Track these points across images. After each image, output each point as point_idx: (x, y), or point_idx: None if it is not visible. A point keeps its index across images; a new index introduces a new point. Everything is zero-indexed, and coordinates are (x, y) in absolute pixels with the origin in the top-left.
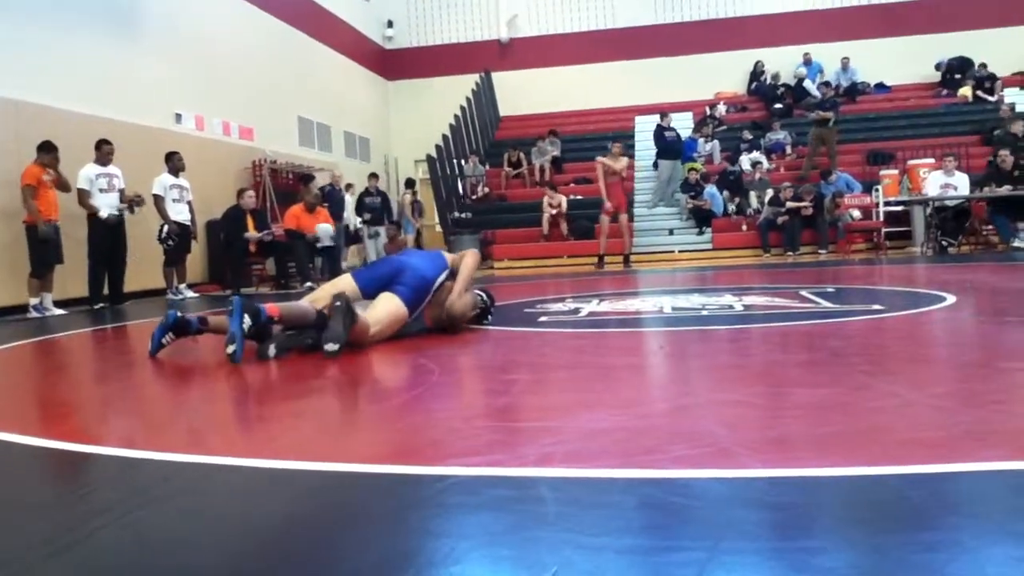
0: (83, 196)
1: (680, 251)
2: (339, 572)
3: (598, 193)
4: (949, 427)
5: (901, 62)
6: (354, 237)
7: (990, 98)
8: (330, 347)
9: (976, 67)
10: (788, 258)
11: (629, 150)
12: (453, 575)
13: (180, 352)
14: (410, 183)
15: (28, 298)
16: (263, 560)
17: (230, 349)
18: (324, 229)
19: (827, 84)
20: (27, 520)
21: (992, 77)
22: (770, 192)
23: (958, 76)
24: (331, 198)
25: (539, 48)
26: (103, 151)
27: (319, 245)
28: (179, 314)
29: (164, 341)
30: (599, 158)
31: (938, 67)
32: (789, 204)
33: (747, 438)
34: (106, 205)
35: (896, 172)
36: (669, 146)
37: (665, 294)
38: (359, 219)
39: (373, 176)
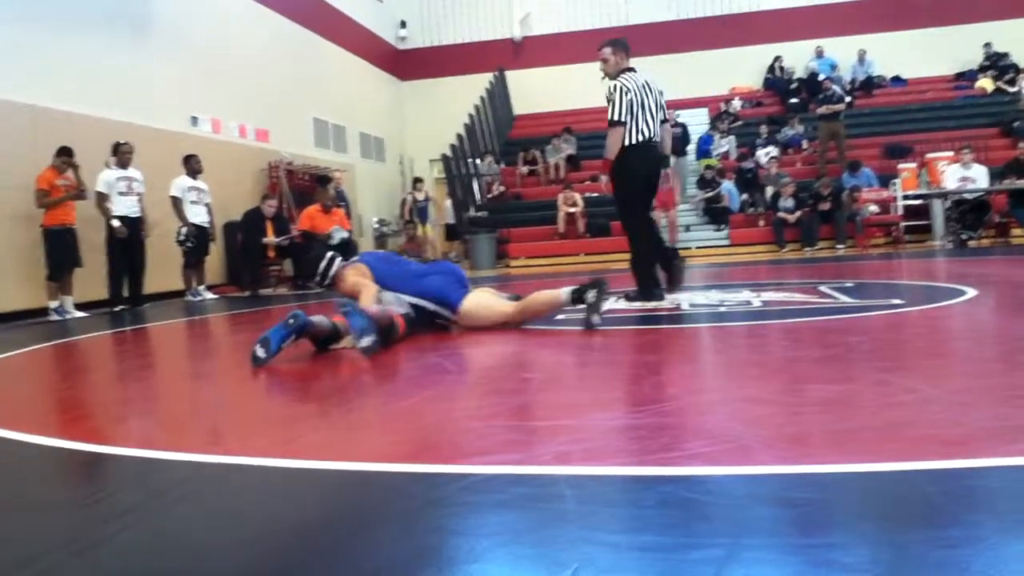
0: (101, 200)
1: (697, 247)
2: (360, 571)
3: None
4: (969, 423)
5: (918, 55)
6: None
7: (1011, 89)
8: (595, 319)
9: (995, 56)
10: (805, 253)
11: None
12: (473, 573)
13: (201, 352)
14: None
15: (48, 301)
16: (285, 560)
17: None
18: (337, 231)
19: (831, 79)
20: (52, 520)
21: (1015, 68)
22: (790, 187)
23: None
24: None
25: (553, 46)
26: (121, 152)
27: (331, 243)
28: (306, 316)
29: (285, 346)
30: None
31: (987, 46)
32: (790, 204)
33: (765, 435)
34: (125, 208)
35: (914, 165)
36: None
37: (683, 291)
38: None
39: (419, 181)
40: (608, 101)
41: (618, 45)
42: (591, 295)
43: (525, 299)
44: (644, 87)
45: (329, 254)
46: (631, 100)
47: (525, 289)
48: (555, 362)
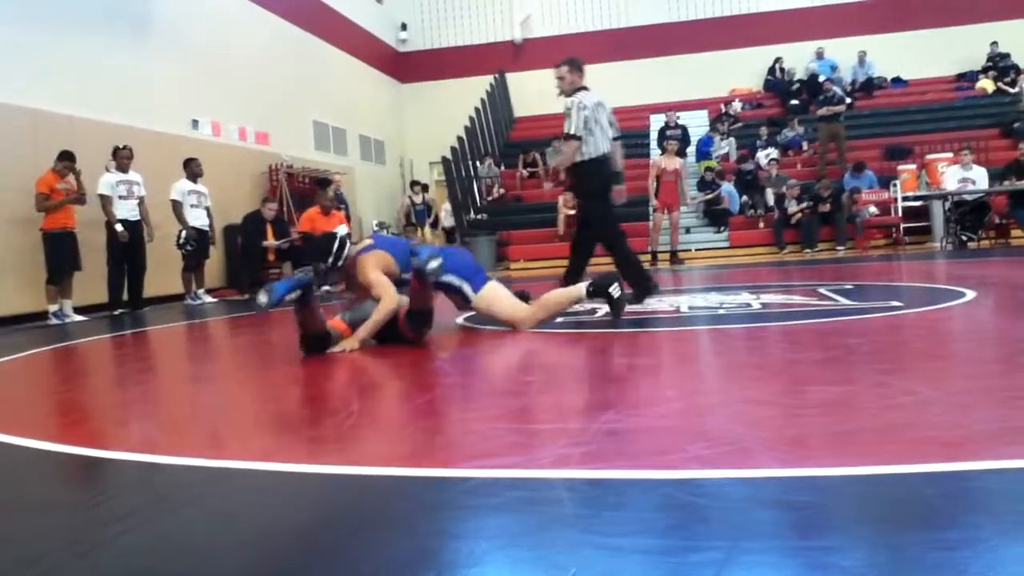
0: (105, 203)
1: (697, 249)
2: (359, 573)
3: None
4: (968, 424)
5: (918, 56)
6: None
7: (1011, 90)
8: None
9: (998, 57)
10: (805, 255)
11: (644, 149)
12: None
13: (201, 355)
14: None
15: (47, 305)
16: (285, 563)
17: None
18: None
19: (831, 80)
20: (53, 522)
21: (1016, 69)
22: (795, 188)
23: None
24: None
25: (553, 48)
26: (120, 156)
27: None
28: (310, 277)
29: (288, 298)
30: (654, 158)
31: (994, 45)
32: (793, 206)
33: (765, 437)
34: (125, 211)
35: (914, 167)
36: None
37: (682, 293)
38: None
39: (416, 184)
40: (565, 116)
41: (574, 64)
42: (614, 290)
43: (539, 300)
44: (597, 106)
45: (341, 234)
46: (587, 117)
47: (534, 290)
48: (555, 364)
